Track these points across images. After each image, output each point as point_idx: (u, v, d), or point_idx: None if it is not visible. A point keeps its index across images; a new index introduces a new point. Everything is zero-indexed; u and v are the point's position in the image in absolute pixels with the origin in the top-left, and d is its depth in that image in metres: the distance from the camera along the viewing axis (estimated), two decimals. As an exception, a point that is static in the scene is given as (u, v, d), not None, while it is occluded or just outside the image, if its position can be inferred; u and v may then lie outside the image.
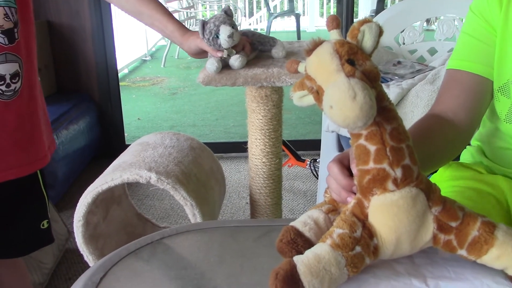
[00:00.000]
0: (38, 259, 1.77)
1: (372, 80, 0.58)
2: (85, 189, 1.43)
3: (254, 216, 1.59)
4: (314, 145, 2.90)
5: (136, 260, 0.74)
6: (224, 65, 1.29)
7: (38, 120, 1.09)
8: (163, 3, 5.69)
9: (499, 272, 0.64)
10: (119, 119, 3.09)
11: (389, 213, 0.60)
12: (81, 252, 1.47)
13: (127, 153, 1.58)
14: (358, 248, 0.60)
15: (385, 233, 0.61)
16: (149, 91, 5.17)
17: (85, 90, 2.96)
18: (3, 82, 0.97)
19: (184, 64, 6.38)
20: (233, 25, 1.23)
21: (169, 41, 5.28)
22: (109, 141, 3.04)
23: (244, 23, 8.80)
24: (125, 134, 3.21)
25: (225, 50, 1.26)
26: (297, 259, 0.59)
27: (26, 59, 1.01)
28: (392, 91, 1.72)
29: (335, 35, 0.61)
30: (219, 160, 1.80)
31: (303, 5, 9.52)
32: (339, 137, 1.92)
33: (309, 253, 0.59)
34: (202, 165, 1.62)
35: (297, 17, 7.46)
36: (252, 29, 6.40)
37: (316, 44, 0.61)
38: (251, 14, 9.40)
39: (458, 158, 1.11)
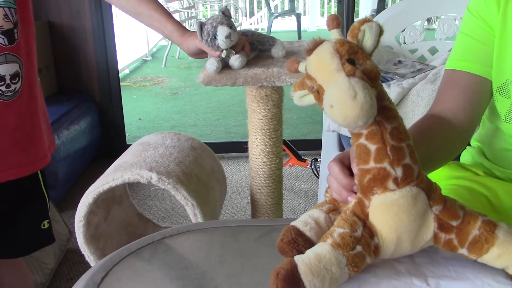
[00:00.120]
0: (40, 259, 1.77)
1: (372, 79, 0.58)
2: (86, 189, 1.43)
3: (255, 216, 1.60)
4: (315, 144, 2.90)
5: (137, 260, 0.74)
6: (224, 65, 1.29)
7: (38, 120, 1.09)
8: (163, 4, 5.66)
9: (500, 271, 0.64)
10: (120, 119, 3.09)
11: (389, 213, 0.60)
12: (83, 252, 1.47)
13: (128, 153, 1.59)
14: (359, 248, 0.60)
15: (385, 232, 0.61)
16: (150, 91, 5.17)
17: (86, 90, 2.97)
18: (3, 82, 0.97)
19: (185, 64, 6.38)
20: (231, 26, 1.23)
21: (170, 41, 5.28)
22: (110, 141, 3.04)
23: (245, 23, 8.80)
24: (126, 134, 3.21)
25: (224, 51, 1.26)
26: (298, 258, 0.59)
27: (26, 59, 1.02)
28: (393, 90, 1.72)
29: (335, 34, 0.61)
30: (220, 160, 1.80)
31: (304, 4, 9.53)
32: (340, 137, 1.92)
33: (310, 252, 0.59)
34: (203, 165, 1.62)
35: (298, 16, 7.47)
36: (252, 29, 6.40)
37: (317, 43, 0.61)
38: (251, 14, 9.40)
39: (458, 158, 1.10)
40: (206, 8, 7.75)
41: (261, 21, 9.11)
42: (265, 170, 1.51)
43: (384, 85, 1.58)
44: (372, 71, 0.58)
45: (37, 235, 1.18)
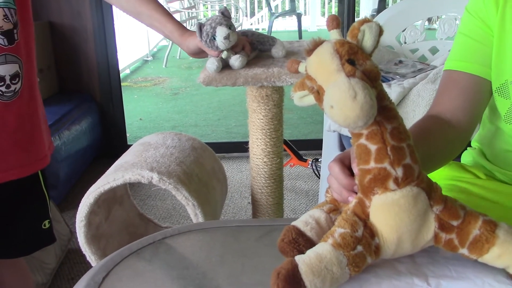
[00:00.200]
0: (41, 260, 1.77)
1: (372, 79, 0.58)
2: (87, 190, 1.43)
3: (256, 215, 1.60)
4: (316, 144, 2.91)
5: (138, 260, 0.74)
6: (225, 65, 1.29)
7: (38, 120, 1.09)
8: (164, 4, 5.66)
9: (501, 271, 0.64)
10: (121, 120, 3.09)
11: (390, 213, 0.60)
12: (84, 252, 1.47)
13: (129, 153, 1.59)
14: (359, 248, 0.60)
15: (386, 232, 0.61)
16: (151, 91, 5.17)
17: (87, 91, 2.97)
18: (3, 83, 0.97)
19: (186, 64, 6.38)
20: (230, 26, 1.23)
21: (170, 41, 5.29)
22: (111, 142, 3.05)
23: (246, 23, 8.80)
24: (127, 135, 3.21)
25: (224, 52, 1.26)
26: (299, 258, 0.59)
27: (26, 60, 1.02)
28: (393, 90, 1.72)
29: (335, 35, 0.61)
30: (221, 160, 1.80)
31: (305, 4, 9.53)
32: (340, 137, 1.92)
33: (310, 252, 0.59)
34: (204, 165, 1.62)
35: (299, 16, 7.46)
36: (253, 29, 6.40)
37: (317, 44, 0.61)
38: (252, 14, 9.40)
39: (458, 158, 1.10)
40: (207, 8, 7.75)
41: (262, 21, 9.11)
42: (265, 170, 1.51)
43: (384, 85, 1.58)
44: (372, 71, 0.58)
45: (38, 235, 1.18)
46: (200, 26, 1.22)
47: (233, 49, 1.28)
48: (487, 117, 1.00)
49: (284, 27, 8.94)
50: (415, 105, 1.65)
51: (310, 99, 0.62)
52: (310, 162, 2.72)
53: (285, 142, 2.65)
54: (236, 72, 1.29)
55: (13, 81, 0.99)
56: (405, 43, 2.19)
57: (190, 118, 4.18)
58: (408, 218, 0.60)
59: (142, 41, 6.59)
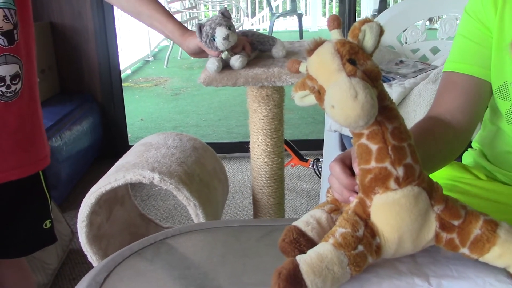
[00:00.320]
0: (42, 260, 1.78)
1: (373, 79, 0.58)
2: (89, 190, 1.43)
3: (257, 216, 1.60)
4: (317, 144, 2.91)
5: (139, 260, 0.74)
6: (225, 65, 1.29)
7: (38, 120, 1.09)
8: (165, 4, 5.66)
9: (502, 270, 0.64)
10: (122, 120, 3.09)
11: (391, 212, 0.60)
12: (85, 253, 1.48)
13: (130, 153, 1.59)
14: (360, 247, 0.60)
15: (387, 232, 0.61)
16: (152, 91, 5.17)
17: (88, 91, 2.97)
18: (3, 83, 0.98)
19: (187, 64, 6.39)
20: (230, 27, 1.23)
21: (171, 41, 5.29)
22: (112, 142, 3.05)
23: (247, 23, 8.80)
24: (128, 135, 3.21)
25: (225, 52, 1.26)
26: (300, 258, 0.59)
27: (26, 60, 1.02)
28: (394, 90, 1.72)
29: (336, 35, 0.61)
30: (222, 160, 1.80)
31: (306, 4, 9.52)
32: (341, 137, 1.92)
33: (311, 252, 0.59)
34: (205, 165, 1.62)
35: (300, 16, 7.46)
36: (254, 29, 6.40)
37: (317, 44, 0.61)
38: (253, 14, 9.40)
39: (459, 159, 1.10)
40: (208, 8, 7.75)
41: (263, 21, 9.11)
42: (266, 170, 1.51)
43: (385, 85, 1.58)
44: (373, 71, 0.59)
45: (39, 235, 1.18)
46: (200, 27, 1.22)
47: (233, 50, 1.28)
48: (488, 118, 1.00)
49: (285, 27, 8.94)
50: (416, 105, 1.65)
51: (311, 99, 0.62)
52: (311, 162, 2.72)
53: (286, 142, 2.65)
54: (237, 72, 1.29)
55: (14, 82, 0.99)
56: (406, 43, 2.18)
57: (191, 119, 4.18)
58: (409, 217, 0.60)
59: (143, 41, 6.59)
